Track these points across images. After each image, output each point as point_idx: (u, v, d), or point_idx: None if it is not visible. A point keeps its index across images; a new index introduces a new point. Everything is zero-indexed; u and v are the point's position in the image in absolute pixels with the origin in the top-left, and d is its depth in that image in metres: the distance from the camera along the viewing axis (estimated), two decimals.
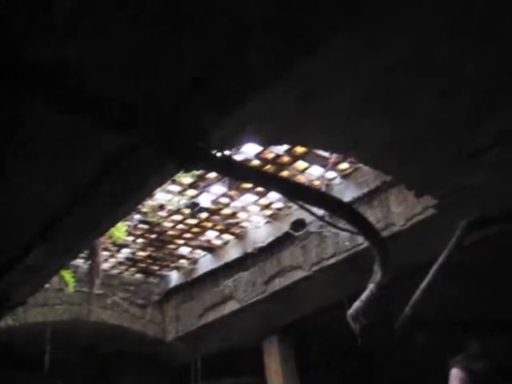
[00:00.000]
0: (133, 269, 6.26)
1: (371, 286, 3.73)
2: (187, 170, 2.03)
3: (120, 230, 4.38)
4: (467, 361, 4.22)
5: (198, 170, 2.19)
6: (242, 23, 1.75)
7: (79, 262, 5.55)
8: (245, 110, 2.19)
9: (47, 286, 5.25)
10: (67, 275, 4.75)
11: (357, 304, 3.90)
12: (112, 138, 1.95)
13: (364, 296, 3.84)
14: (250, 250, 5.41)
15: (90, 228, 3.06)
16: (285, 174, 4.59)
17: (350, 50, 2.04)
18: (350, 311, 3.96)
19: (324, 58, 1.98)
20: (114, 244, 5.29)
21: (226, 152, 2.47)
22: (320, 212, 3.28)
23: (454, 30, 2.16)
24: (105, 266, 5.94)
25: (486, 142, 2.94)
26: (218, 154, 2.18)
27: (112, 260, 6.02)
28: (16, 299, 3.92)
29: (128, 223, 5.14)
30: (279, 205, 5.14)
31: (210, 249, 5.83)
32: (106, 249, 5.53)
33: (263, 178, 2.39)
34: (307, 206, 2.77)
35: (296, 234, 4.92)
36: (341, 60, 2.09)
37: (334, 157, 4.47)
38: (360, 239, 4.55)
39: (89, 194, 2.54)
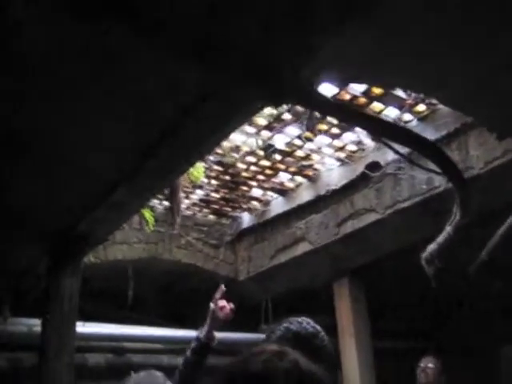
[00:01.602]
0: (206, 210, 6.39)
1: (448, 229, 3.68)
2: (277, 105, 2.04)
3: (198, 171, 4.47)
4: None
5: (287, 104, 2.19)
6: None
7: (155, 202, 5.73)
8: (325, 49, 2.18)
9: (125, 225, 5.46)
10: (147, 214, 4.92)
11: (432, 247, 3.87)
12: (200, 73, 1.98)
13: (440, 239, 3.80)
14: (322, 192, 5.42)
15: (172, 167, 3.15)
16: None
17: None
18: (425, 254, 3.94)
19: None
20: (191, 185, 5.40)
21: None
22: (403, 151, 3.24)
23: None
24: (180, 207, 6.09)
25: None
26: (309, 88, 2.18)
27: (186, 201, 6.16)
28: (100, 236, 4.11)
29: (203, 164, 5.22)
30: (353, 147, 5.10)
31: (282, 191, 5.88)
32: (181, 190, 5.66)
33: (351, 114, 2.38)
34: (392, 145, 2.75)
35: (372, 174, 4.88)
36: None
37: (411, 98, 4.38)
38: (436, 182, 4.49)
39: (171, 132, 2.60)
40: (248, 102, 2.16)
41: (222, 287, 3.17)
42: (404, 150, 3.38)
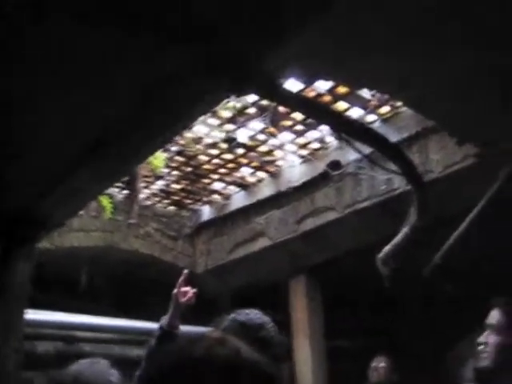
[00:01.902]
0: (166, 201, 6.34)
1: (405, 230, 3.73)
2: (239, 95, 2.02)
3: (159, 160, 4.42)
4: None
5: (249, 93, 2.17)
6: None
7: (114, 190, 5.65)
8: (291, 44, 2.17)
9: (83, 212, 5.37)
10: (105, 201, 4.84)
11: (388, 248, 3.92)
12: (161, 58, 1.94)
13: (396, 240, 3.84)
14: (283, 188, 5.43)
15: (132, 154, 3.09)
16: None
17: None
18: (381, 254, 3.98)
19: None
20: (151, 175, 5.35)
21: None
22: (362, 151, 3.26)
23: None
24: (139, 196, 6.02)
25: None
26: (273, 80, 2.16)
27: (147, 191, 6.09)
28: (56, 221, 4.02)
29: (164, 154, 5.17)
30: (316, 145, 5.11)
31: (243, 185, 5.86)
32: (141, 179, 5.60)
33: (316, 108, 2.38)
34: (353, 143, 2.76)
35: (332, 173, 4.90)
36: None
37: (375, 99, 4.41)
38: (396, 184, 4.54)
39: (132, 117, 2.55)
40: (210, 90, 2.13)
41: (186, 272, 3.15)
42: (365, 149, 3.40)
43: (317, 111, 2.38)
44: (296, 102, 2.25)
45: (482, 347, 2.56)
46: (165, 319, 3.01)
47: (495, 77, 2.86)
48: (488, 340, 2.57)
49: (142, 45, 1.87)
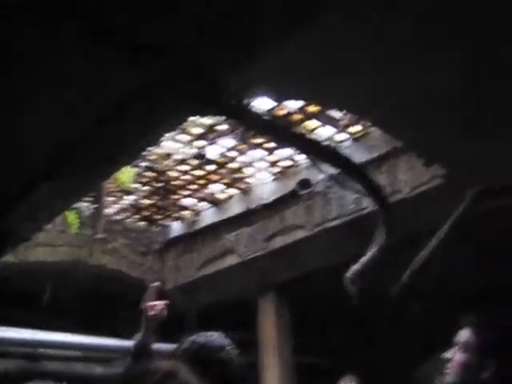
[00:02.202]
0: (136, 216, 6.28)
1: (372, 250, 3.73)
2: (202, 115, 2.00)
3: (126, 175, 4.37)
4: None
5: (214, 115, 2.15)
6: None
7: (83, 205, 5.57)
8: (264, 61, 2.16)
9: (49, 226, 5.28)
10: (71, 216, 4.77)
11: (355, 267, 3.91)
12: (127, 73, 1.91)
13: (363, 260, 3.84)
14: (253, 205, 5.41)
15: (95, 170, 3.05)
16: None
17: (367, 7, 1.99)
18: (348, 274, 3.97)
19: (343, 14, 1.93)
20: (118, 190, 5.30)
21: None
22: (331, 171, 3.26)
23: None
24: (108, 211, 5.96)
25: (502, 112, 2.90)
26: (237, 102, 2.15)
27: (115, 206, 6.03)
28: (21, 236, 3.94)
29: (134, 170, 5.13)
30: (287, 163, 5.11)
31: (213, 202, 5.83)
32: (110, 194, 5.54)
33: (280, 130, 2.37)
34: (319, 165, 2.75)
35: (301, 192, 4.91)
36: (361, 17, 2.04)
37: (345, 119, 4.43)
38: (365, 203, 4.55)
39: (95, 133, 2.52)
40: (175, 109, 2.11)
41: (156, 285, 3.11)
42: (334, 169, 3.41)
43: (282, 134, 2.37)
44: (259, 124, 2.24)
45: (447, 364, 2.57)
46: (138, 336, 2.97)
47: (462, 101, 2.89)
48: (454, 357, 2.58)
49: (101, 61, 1.84)
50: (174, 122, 2.31)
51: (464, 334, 2.66)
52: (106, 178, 3.95)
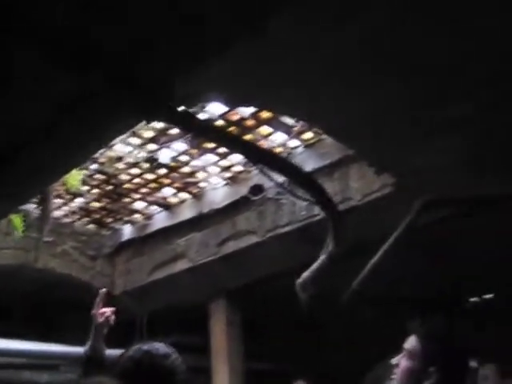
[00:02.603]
0: (86, 219, 6.16)
1: (322, 257, 3.75)
2: (148, 121, 1.96)
3: (75, 178, 4.27)
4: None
5: (159, 121, 2.12)
6: None
7: (30, 207, 5.43)
8: (210, 68, 2.14)
9: None
10: (16, 219, 4.63)
11: (306, 274, 3.92)
12: (69, 80, 1.86)
13: (314, 266, 3.85)
14: (205, 210, 5.37)
15: (41, 174, 2.98)
16: (248, 137, 4.54)
17: (321, 14, 1.99)
18: (299, 280, 3.98)
19: (291, 20, 1.93)
20: (67, 192, 5.18)
21: (191, 108, 2.41)
22: (280, 179, 3.26)
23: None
24: (57, 213, 5.82)
25: (448, 124, 2.95)
26: (183, 108, 2.12)
27: (65, 208, 5.90)
28: None
29: (84, 172, 5.03)
30: (239, 168, 5.09)
31: (165, 206, 5.77)
32: (59, 196, 5.42)
33: (227, 138, 2.34)
34: (267, 172, 2.74)
35: (254, 198, 4.90)
36: (310, 25, 2.04)
37: (298, 125, 4.44)
38: (316, 210, 4.56)
39: (40, 138, 2.45)
40: (122, 115, 2.07)
41: (104, 291, 3.04)
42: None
43: (228, 140, 2.34)
44: (205, 130, 2.21)
45: (394, 369, 2.60)
46: (88, 344, 2.90)
47: (411, 111, 2.93)
48: (400, 363, 2.60)
49: (41, 68, 1.79)
50: (123, 126, 2.26)
51: (410, 341, 2.68)
52: (54, 181, 3.86)
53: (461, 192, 3.68)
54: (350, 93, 2.80)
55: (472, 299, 6.92)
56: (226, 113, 4.22)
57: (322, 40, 2.27)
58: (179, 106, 2.01)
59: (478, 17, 2.17)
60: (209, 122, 2.56)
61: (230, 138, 2.31)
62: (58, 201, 5.60)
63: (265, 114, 4.27)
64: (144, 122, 2.82)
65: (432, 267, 5.58)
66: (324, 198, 2.86)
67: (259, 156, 2.44)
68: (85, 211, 6.00)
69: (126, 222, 6.15)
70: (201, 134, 2.41)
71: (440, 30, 2.26)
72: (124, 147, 4.75)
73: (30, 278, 5.92)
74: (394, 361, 2.63)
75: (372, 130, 3.17)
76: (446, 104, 2.83)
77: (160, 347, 2.27)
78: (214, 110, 4.16)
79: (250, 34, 1.99)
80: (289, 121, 4.39)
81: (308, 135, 4.64)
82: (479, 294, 6.78)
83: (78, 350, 3.12)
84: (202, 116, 4.04)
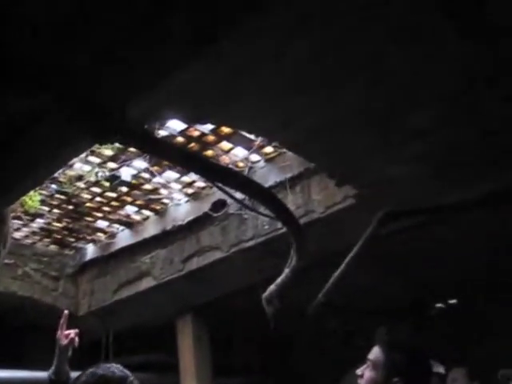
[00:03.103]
0: (47, 239, 6.05)
1: (287, 271, 3.75)
2: (101, 143, 1.94)
3: (33, 199, 4.20)
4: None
5: (113, 143, 2.09)
6: None
7: None
8: (166, 85, 2.12)
9: None
10: None
11: (272, 287, 3.91)
12: (22, 100, 1.83)
13: (279, 280, 3.85)
14: (169, 227, 5.34)
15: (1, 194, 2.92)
16: (209, 153, 4.54)
17: (276, 29, 2.00)
18: (265, 294, 3.97)
19: (245, 36, 1.93)
20: (26, 213, 5.09)
21: (147, 126, 2.39)
22: (240, 195, 3.26)
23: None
24: (17, 235, 5.72)
25: (409, 135, 2.99)
26: (137, 129, 2.10)
27: (25, 229, 5.79)
28: None
29: (44, 192, 4.95)
30: (201, 184, 5.08)
31: (128, 224, 5.71)
32: (18, 218, 5.32)
33: (183, 156, 2.33)
34: (226, 189, 2.74)
35: (215, 214, 4.89)
36: (264, 40, 2.05)
37: (258, 140, 4.44)
38: (279, 224, 4.57)
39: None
40: (74, 137, 2.04)
41: (66, 313, 2.99)
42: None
43: (184, 159, 2.33)
44: (161, 150, 2.20)
45: (359, 379, 2.60)
46: (52, 368, 2.85)
47: (370, 123, 2.96)
48: (364, 373, 2.61)
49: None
50: (76, 149, 2.23)
51: (374, 352, 2.69)
52: (11, 203, 3.79)
53: (421, 202, 3.72)
54: (308, 106, 2.82)
55: (437, 305, 7.02)
56: (185, 129, 4.21)
57: (280, 54, 2.28)
58: (134, 126, 1.99)
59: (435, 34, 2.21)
60: (164, 142, 2.54)
61: (186, 158, 2.30)
62: (18, 222, 5.50)
63: (225, 130, 4.27)
64: None
65: (395, 276, 5.64)
66: (284, 214, 2.86)
67: (216, 174, 2.43)
68: (46, 232, 5.89)
69: (89, 242, 6.06)
70: (157, 154, 2.39)
71: (400, 39, 2.29)
72: (84, 166, 4.69)
73: None
74: (358, 371, 2.64)
75: (331, 142, 3.19)
76: (404, 116, 2.86)
77: (116, 370, 2.21)
78: (173, 126, 4.16)
79: (201, 53, 1.99)
80: (249, 135, 4.40)
81: (268, 149, 4.66)
82: (443, 299, 6.88)
83: (43, 374, 3.06)
84: (161, 133, 4.04)
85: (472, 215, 4.11)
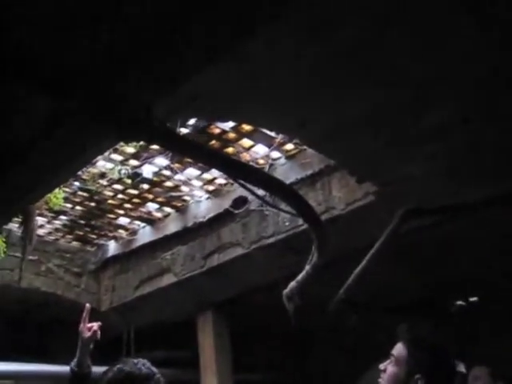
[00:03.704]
0: (70, 236, 6.14)
1: (307, 268, 3.76)
2: (126, 142, 1.97)
3: (57, 197, 4.26)
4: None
5: (137, 142, 2.13)
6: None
7: (13, 226, 5.40)
8: (188, 86, 2.15)
9: None
10: None
11: (292, 284, 3.93)
12: (47, 103, 1.87)
13: (300, 277, 3.87)
14: (190, 224, 5.38)
15: (23, 194, 2.97)
16: (230, 150, 4.56)
17: (292, 34, 2.02)
18: (286, 291, 3.99)
19: (264, 40, 1.95)
20: (50, 210, 5.16)
21: (170, 125, 2.43)
22: (261, 191, 3.27)
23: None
24: (41, 231, 5.80)
25: (427, 134, 2.99)
26: (161, 127, 2.13)
27: (49, 226, 5.88)
28: None
29: (67, 189, 5.02)
30: (222, 181, 5.11)
31: (149, 220, 5.77)
32: (42, 215, 5.40)
33: (205, 154, 2.36)
34: (248, 185, 2.76)
35: (236, 211, 4.91)
36: (283, 43, 2.07)
37: (279, 137, 4.46)
38: (300, 220, 4.58)
39: (21, 158, 2.45)
40: (100, 135, 2.07)
41: (88, 306, 3.03)
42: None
43: (207, 157, 2.36)
44: (185, 148, 2.23)
45: (381, 374, 2.62)
46: (74, 360, 2.89)
47: (391, 121, 2.97)
48: (386, 368, 2.62)
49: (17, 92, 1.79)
50: (101, 148, 2.27)
51: (398, 348, 2.71)
52: (37, 200, 3.85)
53: (441, 200, 3.72)
54: (325, 106, 2.83)
55: (458, 303, 6.98)
56: (206, 126, 4.24)
57: (297, 57, 2.30)
58: (158, 124, 2.02)
59: (453, 35, 2.22)
60: (188, 139, 2.57)
61: (208, 156, 2.32)
62: (42, 219, 5.58)
63: (246, 127, 4.29)
64: None
65: (416, 273, 5.62)
66: (306, 210, 2.88)
67: (239, 171, 2.45)
68: (69, 228, 5.97)
69: (111, 238, 6.13)
70: (180, 152, 2.42)
71: (415, 39, 2.30)
72: (106, 163, 4.75)
73: (15, 298, 5.87)
74: (381, 366, 2.65)
75: (348, 141, 3.20)
76: (425, 113, 2.86)
77: (143, 367, 2.23)
78: (194, 124, 4.19)
79: (229, 53, 2.02)
80: (269, 132, 4.41)
81: (289, 146, 4.67)
82: (464, 297, 6.83)
83: (65, 369, 3.09)
84: (182, 131, 4.07)
85: (492, 212, 4.09)
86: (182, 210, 5.50)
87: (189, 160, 4.66)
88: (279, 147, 4.64)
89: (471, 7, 2.09)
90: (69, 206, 5.45)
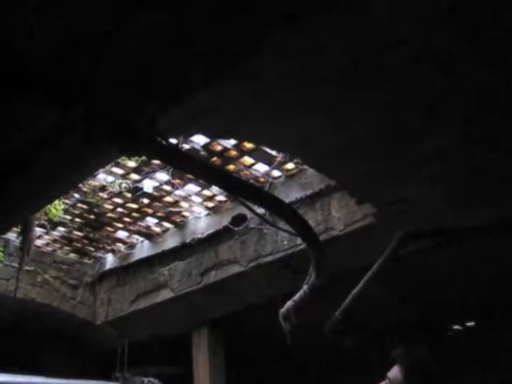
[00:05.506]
0: (68, 248, 6.13)
1: (305, 287, 3.75)
2: (129, 156, 1.98)
3: (57, 208, 4.27)
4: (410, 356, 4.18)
5: (140, 156, 2.14)
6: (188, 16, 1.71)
7: (11, 235, 5.40)
8: (191, 103, 2.17)
9: None
10: None
11: (289, 303, 3.92)
12: (52, 115, 1.88)
13: (297, 296, 3.86)
14: (188, 240, 5.38)
15: (25, 204, 2.98)
16: (231, 168, 4.58)
17: (295, 54, 2.04)
18: (282, 310, 3.97)
19: (268, 58, 1.97)
20: (49, 221, 5.15)
21: (172, 141, 2.44)
22: (261, 209, 3.28)
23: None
24: (38, 242, 5.79)
25: (426, 157, 3.01)
26: (163, 142, 2.14)
27: (47, 237, 5.87)
28: None
29: (67, 201, 5.03)
30: (222, 198, 5.12)
31: (148, 235, 5.76)
32: (41, 225, 5.39)
33: (206, 170, 2.37)
34: (248, 203, 2.76)
35: (236, 228, 4.91)
36: (286, 63, 2.09)
37: (280, 156, 4.48)
38: (299, 240, 4.58)
39: (23, 170, 2.46)
40: (103, 149, 2.08)
41: None
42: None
43: (209, 174, 2.37)
44: (187, 164, 2.23)
45: None
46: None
47: (391, 145, 2.98)
48: None
49: (22, 104, 1.80)
50: (103, 161, 2.28)
51: (394, 370, 2.71)
52: (37, 211, 3.85)
53: (439, 223, 3.72)
54: (327, 126, 2.85)
55: (454, 327, 6.95)
56: (208, 143, 4.26)
57: (299, 75, 2.32)
58: (161, 140, 2.03)
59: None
60: (190, 156, 2.59)
61: (209, 172, 2.33)
62: (40, 229, 5.57)
63: (247, 145, 4.31)
64: None
65: (413, 296, 5.60)
66: (305, 229, 2.88)
67: (239, 189, 2.46)
68: (67, 240, 5.96)
69: (109, 251, 6.12)
70: (181, 168, 2.43)
71: (417, 68, 2.32)
72: (107, 177, 4.76)
73: (9, 308, 5.83)
74: None
75: (349, 162, 3.21)
76: (423, 139, 2.88)
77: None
78: (197, 140, 4.21)
79: (227, 76, 2.04)
80: (270, 151, 4.43)
81: (289, 166, 4.69)
82: (461, 321, 6.81)
83: (60, 382, 3.07)
84: (184, 147, 4.09)
85: (489, 238, 4.09)
86: (180, 226, 5.50)
87: (189, 176, 4.67)
88: (280, 166, 4.66)
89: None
90: (68, 217, 5.44)
